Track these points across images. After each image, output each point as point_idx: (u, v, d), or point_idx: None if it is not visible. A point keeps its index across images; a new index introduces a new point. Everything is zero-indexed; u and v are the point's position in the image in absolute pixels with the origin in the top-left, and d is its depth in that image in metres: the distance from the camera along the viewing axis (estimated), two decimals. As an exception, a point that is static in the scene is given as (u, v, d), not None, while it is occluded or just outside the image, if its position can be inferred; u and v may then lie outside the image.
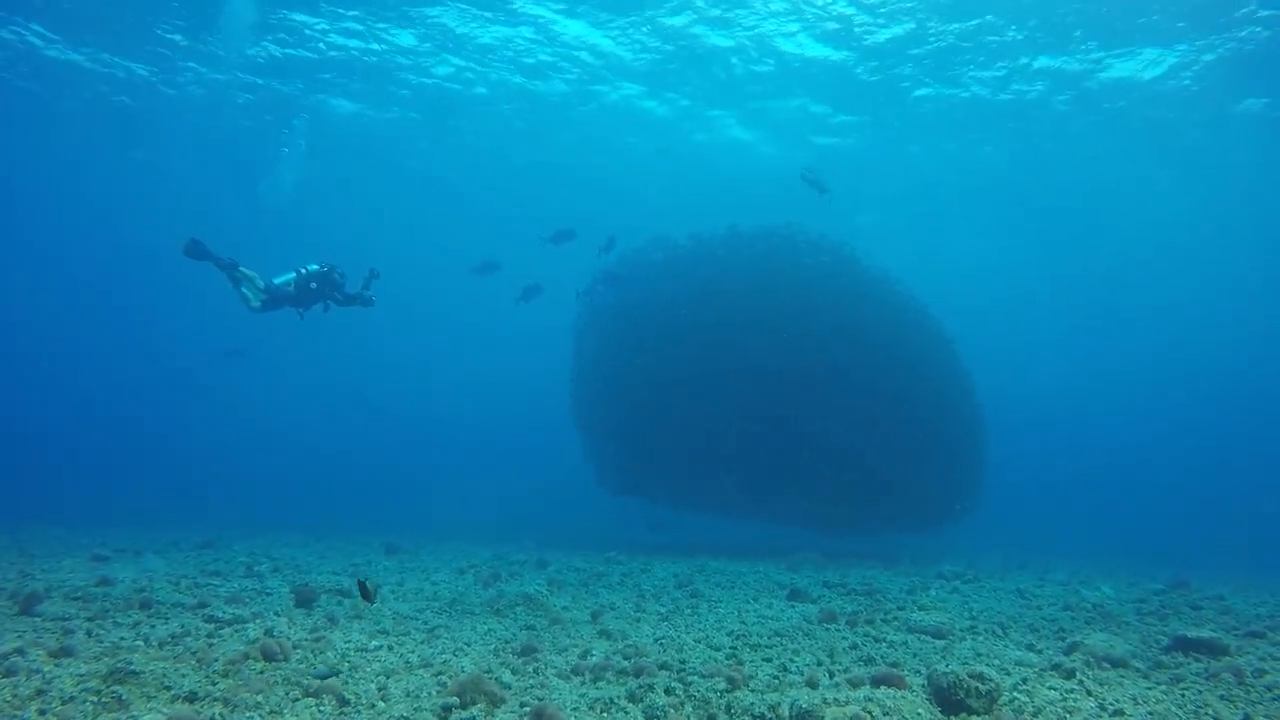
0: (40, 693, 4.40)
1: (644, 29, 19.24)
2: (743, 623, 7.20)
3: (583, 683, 5.12)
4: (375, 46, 20.44)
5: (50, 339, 44.54)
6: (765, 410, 14.00)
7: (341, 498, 26.74)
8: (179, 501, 23.59)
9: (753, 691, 4.93)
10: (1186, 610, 8.60)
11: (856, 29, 18.55)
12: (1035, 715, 4.51)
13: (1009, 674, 5.39)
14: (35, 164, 27.84)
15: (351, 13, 18.75)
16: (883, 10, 17.65)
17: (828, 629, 6.93)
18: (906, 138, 24.33)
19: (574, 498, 18.98)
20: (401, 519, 21.66)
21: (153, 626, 6.07)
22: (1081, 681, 5.21)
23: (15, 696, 4.36)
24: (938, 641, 6.48)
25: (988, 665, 5.62)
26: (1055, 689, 5.04)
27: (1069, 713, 4.56)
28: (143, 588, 7.81)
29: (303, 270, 10.44)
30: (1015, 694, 4.88)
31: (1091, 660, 5.74)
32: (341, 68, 21.56)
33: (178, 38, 20.11)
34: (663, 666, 5.43)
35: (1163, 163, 24.59)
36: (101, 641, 5.55)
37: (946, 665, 5.39)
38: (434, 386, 46.17)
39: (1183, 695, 4.98)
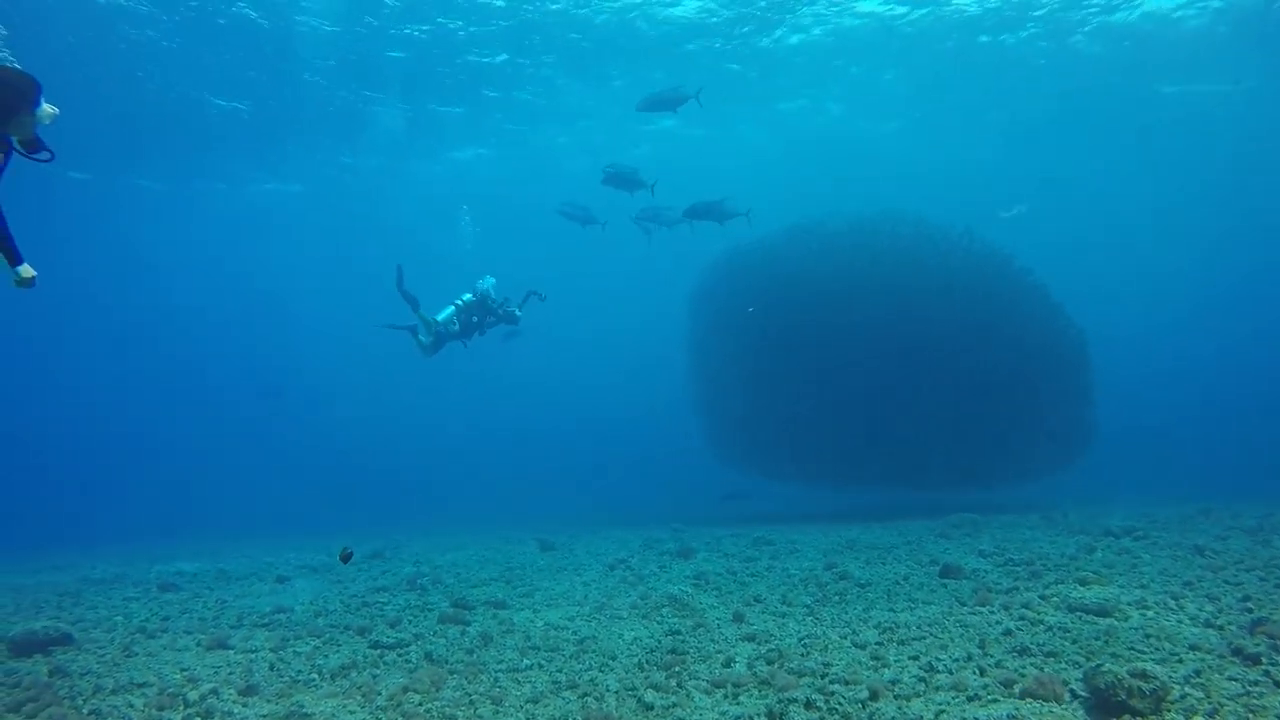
0: (232, 737, 4.87)
1: None
2: (891, 610, 7.03)
3: (724, 696, 5.16)
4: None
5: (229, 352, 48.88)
6: (886, 374, 14.21)
7: (498, 493, 28.01)
8: (349, 508, 25.49)
9: (896, 699, 4.82)
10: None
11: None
12: (1211, 717, 4.17)
13: (1181, 662, 5.01)
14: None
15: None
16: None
17: (979, 613, 6.65)
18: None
19: (715, 475, 19.05)
20: (557, 509, 22.53)
21: (325, 657, 6.59)
22: (1269, 670, 4.76)
23: (212, 741, 4.86)
24: (1101, 621, 6.08)
25: (1156, 652, 5.23)
26: (1236, 680, 4.64)
27: (1253, 713, 4.18)
28: (318, 611, 8.48)
29: (459, 303, 11.12)
30: (1187, 689, 4.52)
31: (1281, 639, 5.23)
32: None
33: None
34: (805, 673, 5.39)
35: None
36: (282, 676, 6.08)
37: (1106, 657, 5.07)
38: (570, 379, 47.41)
39: (1392, 680, 4.47)
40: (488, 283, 11.76)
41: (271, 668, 6.31)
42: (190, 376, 48.45)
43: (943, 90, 24.01)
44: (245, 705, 5.42)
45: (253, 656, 6.71)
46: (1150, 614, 6.22)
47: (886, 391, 14.15)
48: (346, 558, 6.64)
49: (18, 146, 5.04)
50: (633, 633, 6.93)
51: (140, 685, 5.94)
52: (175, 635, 7.73)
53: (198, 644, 7.27)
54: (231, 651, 6.95)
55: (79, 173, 26.54)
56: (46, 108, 4.99)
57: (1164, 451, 24.05)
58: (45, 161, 5.12)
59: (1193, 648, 5.29)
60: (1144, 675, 4.35)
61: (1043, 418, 14.36)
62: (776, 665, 5.63)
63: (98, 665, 6.63)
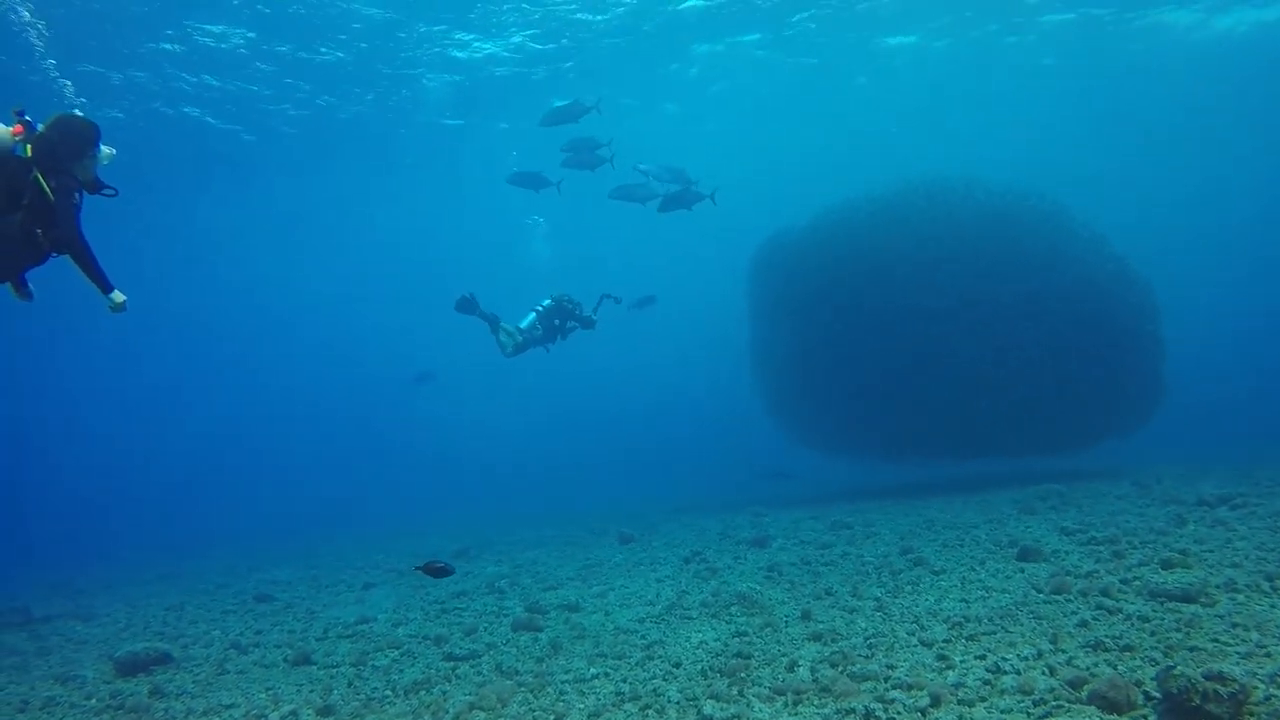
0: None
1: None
2: (964, 600, 6.84)
3: (784, 705, 5.12)
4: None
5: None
6: (952, 340, 13.85)
7: (588, 481, 28.49)
8: (442, 504, 26.30)
9: (958, 704, 4.70)
10: None
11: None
12: (1296, 722, 3.92)
13: (1269, 657, 4.71)
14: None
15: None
16: None
17: (1055, 602, 6.40)
18: None
19: (796, 455, 18.90)
20: (645, 493, 22.78)
21: (401, 671, 6.83)
22: (1366, 664, 4.44)
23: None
24: (1185, 609, 5.77)
25: (1241, 645, 4.94)
26: (1331, 677, 4.34)
27: (1345, 716, 3.90)
28: (398, 621, 8.79)
29: (539, 308, 11.38)
30: (1273, 690, 4.24)
31: (1382, 625, 4.88)
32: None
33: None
34: (868, 677, 5.30)
35: None
36: (358, 693, 6.32)
37: (1184, 652, 4.84)
38: (662, 363, 47.78)
39: None
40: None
41: (350, 684, 6.57)
42: (289, 385, 50.87)
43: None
44: (323, 727, 5.68)
45: (333, 673, 7.00)
46: (1240, 599, 5.87)
47: (955, 359, 13.75)
48: (436, 571, 6.66)
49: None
50: (700, 635, 6.93)
51: (228, 706, 6.28)
52: (265, 650, 8.14)
53: (284, 659, 7.64)
54: (314, 667, 7.27)
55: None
56: (105, 150, 5.43)
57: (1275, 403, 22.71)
58: (110, 196, 5.51)
59: (1285, 639, 4.98)
60: (1221, 678, 4.10)
61: (1111, 373, 13.90)
62: (839, 669, 5.55)
63: (192, 685, 7.03)
